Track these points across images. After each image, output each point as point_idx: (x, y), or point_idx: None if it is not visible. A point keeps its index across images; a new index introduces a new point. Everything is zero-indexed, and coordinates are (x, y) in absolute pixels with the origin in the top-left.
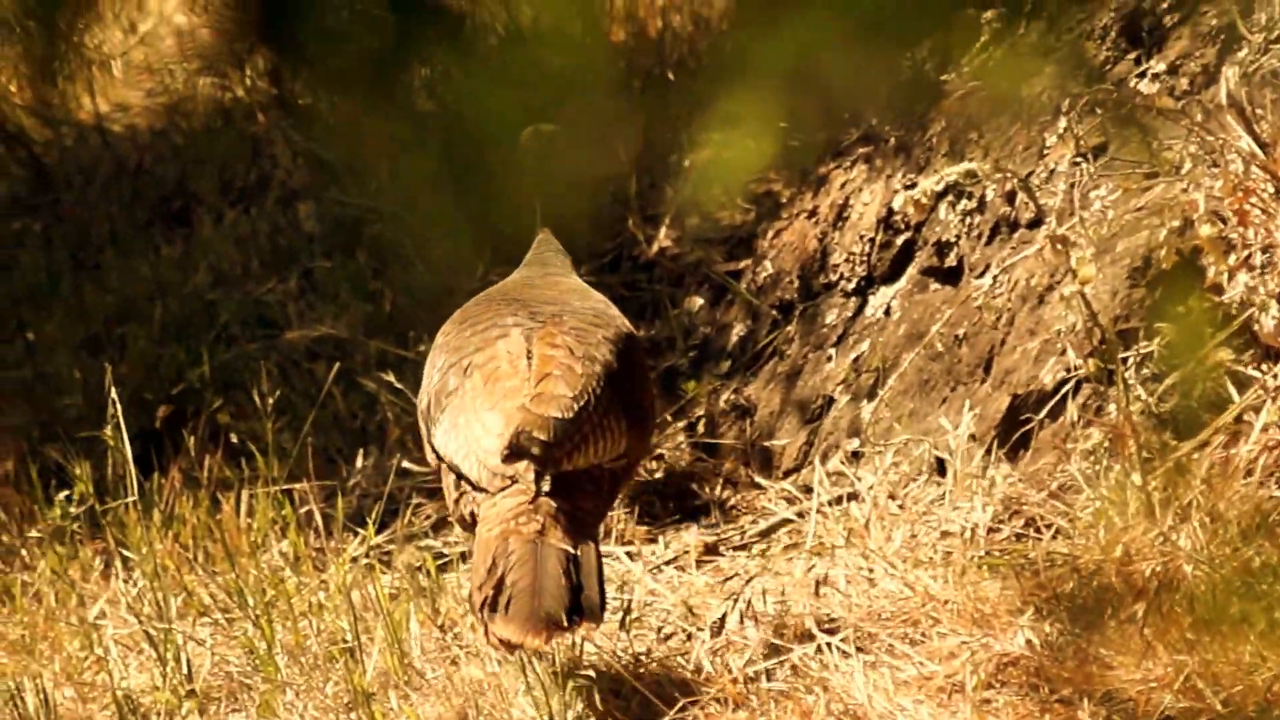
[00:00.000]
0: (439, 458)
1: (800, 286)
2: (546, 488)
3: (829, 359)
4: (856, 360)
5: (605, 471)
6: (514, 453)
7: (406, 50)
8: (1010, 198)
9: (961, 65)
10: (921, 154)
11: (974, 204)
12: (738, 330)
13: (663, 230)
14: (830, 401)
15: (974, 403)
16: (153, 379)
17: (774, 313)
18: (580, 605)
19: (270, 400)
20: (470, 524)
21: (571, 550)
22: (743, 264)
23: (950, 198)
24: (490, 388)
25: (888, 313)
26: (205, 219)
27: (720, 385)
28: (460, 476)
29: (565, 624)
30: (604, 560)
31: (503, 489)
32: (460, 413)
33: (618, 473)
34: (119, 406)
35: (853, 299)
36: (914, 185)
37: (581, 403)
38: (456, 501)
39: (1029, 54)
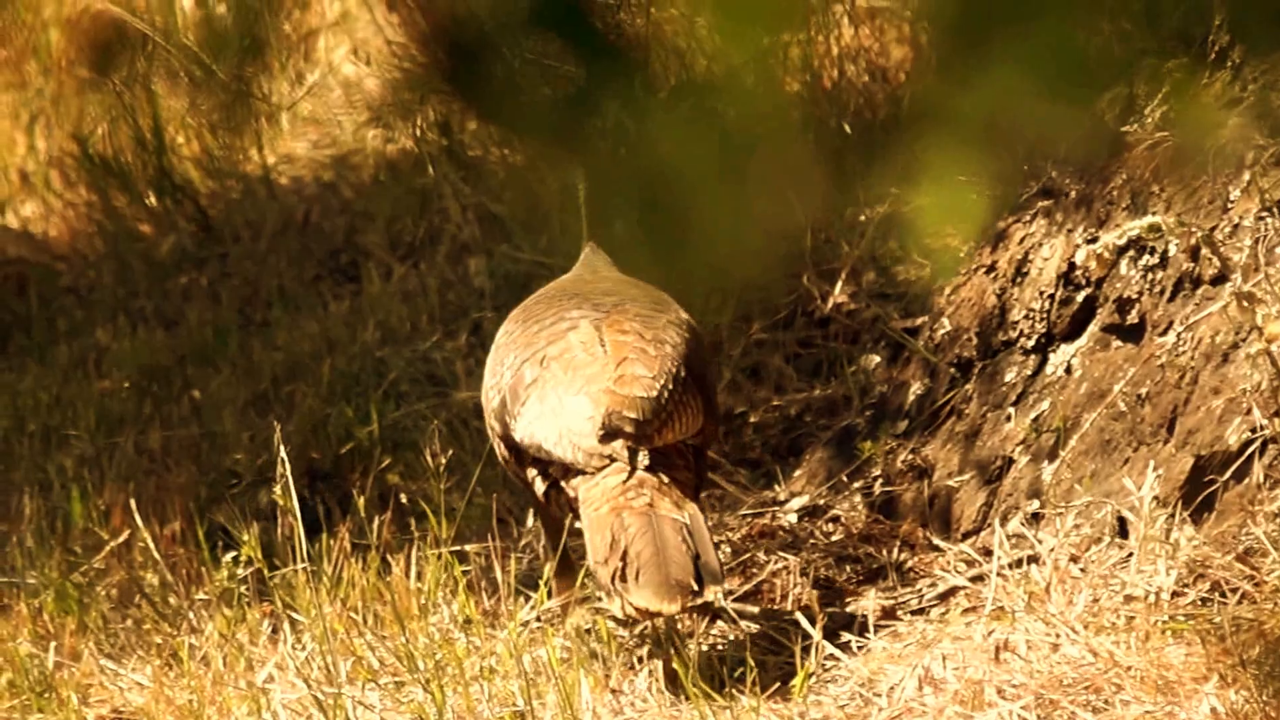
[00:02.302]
0: (521, 450)
1: (979, 344)
2: (645, 463)
3: (1008, 418)
4: (1036, 419)
5: (688, 448)
6: (609, 433)
7: (580, 101)
8: (1194, 253)
9: (1144, 116)
10: (1102, 208)
11: (1156, 259)
12: (915, 388)
13: (839, 286)
14: (1010, 462)
15: (1157, 463)
16: (321, 438)
17: (952, 370)
18: (700, 572)
19: (443, 460)
20: (566, 513)
21: (683, 519)
22: (920, 321)
23: (1132, 253)
24: (571, 375)
25: (1068, 371)
26: (374, 274)
27: (897, 445)
28: (549, 463)
29: (695, 589)
30: (772, 621)
31: (600, 469)
32: (544, 401)
33: (699, 450)
34: (288, 466)
35: (1032, 356)
36: (1095, 239)
37: (662, 381)
38: (547, 492)
39: (1213, 105)
